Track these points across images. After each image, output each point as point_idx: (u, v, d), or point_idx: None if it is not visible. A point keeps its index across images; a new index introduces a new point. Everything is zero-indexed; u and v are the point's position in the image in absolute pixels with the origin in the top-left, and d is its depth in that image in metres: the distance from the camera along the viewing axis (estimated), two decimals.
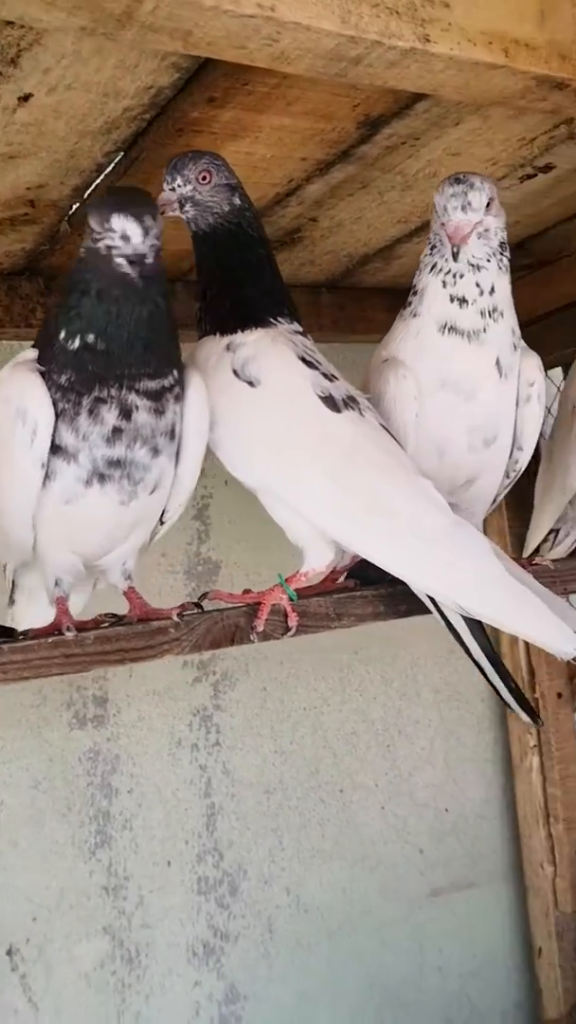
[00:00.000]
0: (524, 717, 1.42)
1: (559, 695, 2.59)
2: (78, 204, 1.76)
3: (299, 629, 1.36)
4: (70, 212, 1.78)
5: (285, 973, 2.40)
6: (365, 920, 2.52)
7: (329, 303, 2.40)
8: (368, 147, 1.66)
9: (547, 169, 1.83)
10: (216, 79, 1.37)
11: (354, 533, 1.38)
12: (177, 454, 1.40)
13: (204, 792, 2.35)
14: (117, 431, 1.31)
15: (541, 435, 2.57)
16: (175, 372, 1.37)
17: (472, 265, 1.50)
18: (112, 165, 1.63)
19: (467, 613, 1.36)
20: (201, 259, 1.52)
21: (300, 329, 1.51)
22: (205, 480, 2.26)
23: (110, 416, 1.30)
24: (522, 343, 1.62)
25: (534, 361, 1.61)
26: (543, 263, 2.41)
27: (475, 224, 1.47)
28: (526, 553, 2.20)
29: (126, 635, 1.26)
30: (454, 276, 1.50)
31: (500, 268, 1.52)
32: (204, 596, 1.43)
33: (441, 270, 1.52)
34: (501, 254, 1.52)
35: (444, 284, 1.51)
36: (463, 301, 1.50)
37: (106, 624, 1.34)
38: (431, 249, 1.54)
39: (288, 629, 1.36)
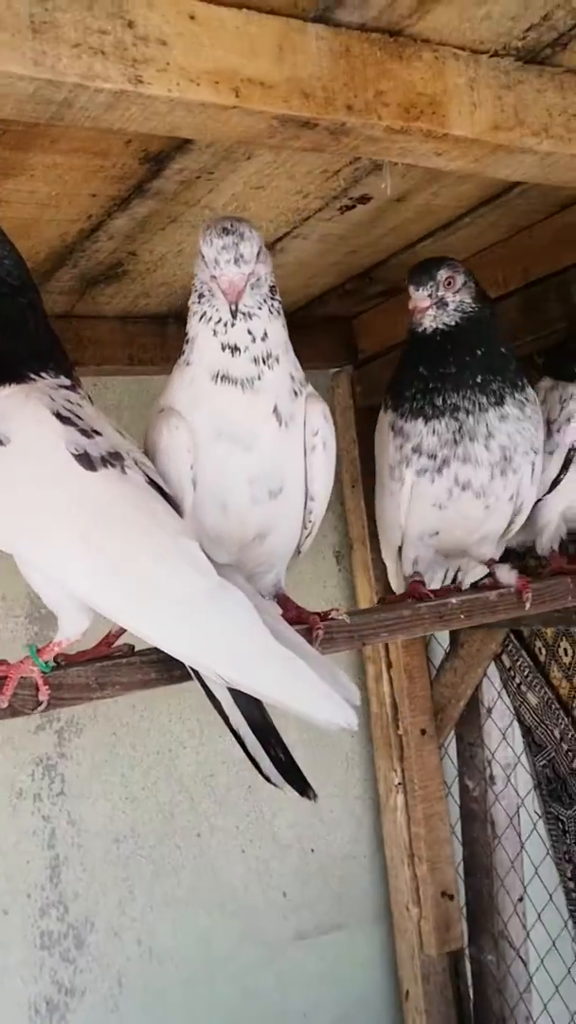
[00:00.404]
0: (290, 792, 1.34)
1: (423, 731, 2.54)
2: None
3: (54, 702, 1.28)
4: None
5: None
6: (225, 967, 2.44)
7: (176, 334, 2.31)
8: (161, 182, 1.60)
9: (364, 200, 1.78)
10: None
11: (104, 597, 1.28)
12: None
13: (47, 843, 2.26)
14: None
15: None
16: None
17: (244, 314, 1.41)
18: None
19: (225, 682, 1.28)
20: None
21: (68, 383, 1.42)
22: None
23: None
24: (308, 388, 1.53)
25: (319, 407, 1.52)
26: (396, 291, 2.35)
27: (248, 276, 1.39)
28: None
29: None
30: (224, 325, 1.42)
31: (271, 312, 1.44)
32: None
33: (211, 319, 1.43)
34: (272, 299, 1.44)
35: (215, 333, 1.43)
36: (235, 349, 1.42)
37: None
38: (199, 297, 1.45)
39: (39, 703, 1.28)
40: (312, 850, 2.60)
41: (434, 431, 1.69)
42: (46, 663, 1.29)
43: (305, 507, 1.55)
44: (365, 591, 2.62)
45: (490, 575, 1.80)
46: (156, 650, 1.37)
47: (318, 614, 1.54)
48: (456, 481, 1.70)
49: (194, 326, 1.46)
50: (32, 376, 1.36)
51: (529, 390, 1.75)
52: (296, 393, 1.48)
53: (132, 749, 2.37)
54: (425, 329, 1.73)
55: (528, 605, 1.71)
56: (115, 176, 1.54)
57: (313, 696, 1.25)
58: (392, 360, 2.42)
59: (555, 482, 1.84)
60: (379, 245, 2.04)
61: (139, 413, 2.35)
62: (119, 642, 1.46)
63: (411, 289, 1.71)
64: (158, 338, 2.29)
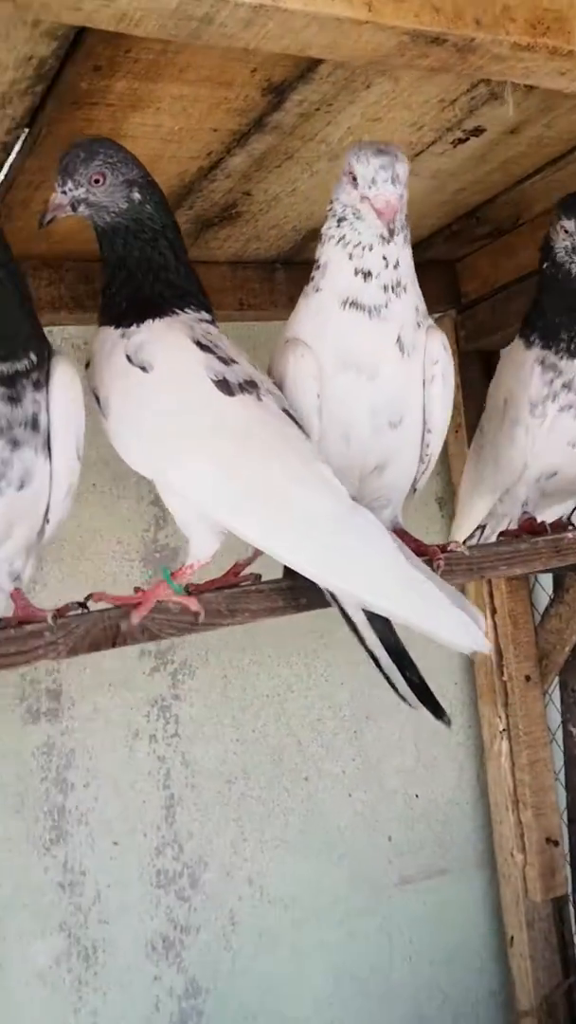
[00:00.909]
0: (426, 713, 1.35)
1: (527, 678, 2.53)
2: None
3: (188, 627, 1.31)
4: None
5: (248, 966, 2.36)
6: (332, 910, 2.48)
7: (284, 280, 2.34)
8: (281, 115, 1.60)
9: (477, 132, 1.77)
10: (95, 46, 1.32)
11: (241, 519, 1.31)
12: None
13: (163, 783, 2.31)
14: None
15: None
16: (32, 356, 1.31)
17: (381, 236, 1.42)
18: (19, 142, 1.59)
19: (360, 603, 1.30)
20: (103, 253, 1.48)
21: (208, 318, 1.46)
22: None
23: None
24: (428, 321, 1.54)
25: (439, 338, 1.53)
26: (501, 232, 2.34)
27: (400, 197, 1.40)
28: None
29: None
30: (362, 248, 1.43)
31: (405, 241, 1.45)
32: (88, 597, 1.38)
33: (349, 242, 1.44)
34: (405, 227, 1.46)
35: (351, 256, 1.44)
36: (367, 274, 1.43)
37: None
38: (338, 221, 1.46)
39: (196, 614, 1.32)
40: (416, 795, 2.62)
41: None
42: (180, 586, 1.32)
43: (423, 440, 1.56)
44: (446, 542, 2.61)
45: None
46: (283, 578, 1.40)
47: (437, 546, 1.55)
48: None
49: (328, 251, 1.47)
50: (175, 311, 1.40)
51: None
52: (419, 325, 1.49)
53: (242, 692, 2.41)
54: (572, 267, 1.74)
55: None
56: (237, 109, 1.55)
57: (444, 617, 1.27)
58: (499, 302, 2.43)
59: None
60: (487, 182, 2.02)
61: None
62: (246, 571, 1.49)
63: (564, 221, 1.72)
64: (266, 283, 2.31)
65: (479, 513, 2.00)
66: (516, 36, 1.22)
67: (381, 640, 1.33)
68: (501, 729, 2.56)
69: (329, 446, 1.48)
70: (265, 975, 2.38)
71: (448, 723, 1.37)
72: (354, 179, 1.40)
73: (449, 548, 1.55)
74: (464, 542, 1.94)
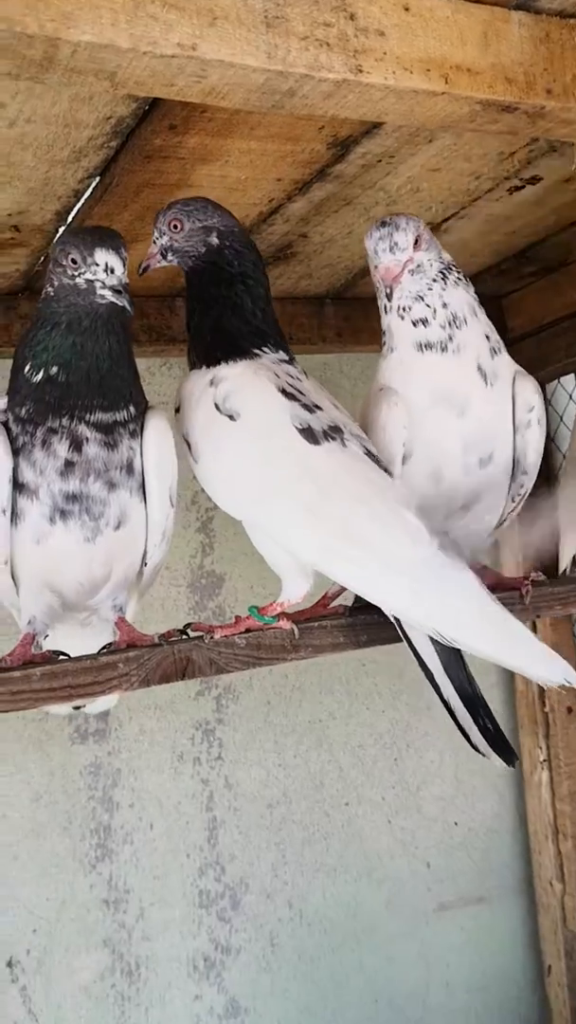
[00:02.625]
0: (497, 761, 1.39)
1: (569, 709, 2.56)
2: (63, 227, 1.77)
3: (253, 661, 1.36)
4: (56, 235, 1.80)
5: (287, 987, 2.40)
6: (370, 934, 2.51)
7: (333, 314, 2.39)
8: (343, 166, 1.65)
9: (534, 181, 1.81)
10: (173, 108, 1.37)
11: (330, 563, 1.37)
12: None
13: (206, 805, 2.35)
14: (69, 464, 1.33)
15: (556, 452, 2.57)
16: (131, 408, 1.39)
17: (416, 296, 1.54)
18: (90, 190, 1.65)
19: (443, 640, 1.34)
20: (189, 295, 1.55)
21: (287, 357, 1.52)
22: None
23: (61, 448, 1.32)
24: (515, 366, 1.61)
25: (531, 385, 1.61)
26: (548, 270, 2.38)
27: (404, 263, 1.52)
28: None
29: (73, 671, 1.25)
30: (406, 309, 1.55)
31: (446, 288, 1.55)
32: (188, 626, 1.44)
33: (394, 308, 1.56)
34: (445, 277, 1.55)
35: (402, 317, 1.55)
36: (424, 322, 1.54)
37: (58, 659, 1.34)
38: (378, 293, 1.59)
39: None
40: (455, 823, 2.65)
41: None
42: (271, 617, 1.39)
43: (514, 479, 1.63)
44: (511, 570, 2.64)
45: None
46: (347, 615, 1.44)
47: (520, 577, 1.62)
48: None
49: (386, 319, 1.58)
50: (256, 352, 1.46)
51: None
52: (495, 352, 1.57)
53: (284, 717, 2.45)
54: None
55: None
56: (302, 160, 1.60)
57: (532, 652, 1.32)
58: (546, 339, 2.47)
59: None
60: (539, 225, 2.06)
61: None
62: (335, 603, 1.54)
63: None
64: (315, 319, 2.36)
65: (572, 544, 2.05)
66: None
67: (456, 688, 1.37)
68: (542, 760, 2.58)
69: (418, 486, 1.55)
70: (303, 997, 2.41)
71: (517, 765, 1.41)
72: (368, 256, 1.56)
73: (531, 578, 1.59)
74: (564, 571, 2.02)
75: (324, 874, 2.47)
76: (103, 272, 1.32)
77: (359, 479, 1.37)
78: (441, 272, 1.55)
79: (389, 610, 1.34)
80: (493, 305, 2.58)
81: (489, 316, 2.55)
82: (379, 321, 1.62)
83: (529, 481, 1.64)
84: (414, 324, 1.53)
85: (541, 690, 2.58)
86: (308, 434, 1.36)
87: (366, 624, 1.43)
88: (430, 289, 1.54)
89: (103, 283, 1.32)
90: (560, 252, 2.25)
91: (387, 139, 1.56)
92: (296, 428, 1.36)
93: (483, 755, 1.36)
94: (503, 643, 1.31)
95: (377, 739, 2.56)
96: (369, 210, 1.85)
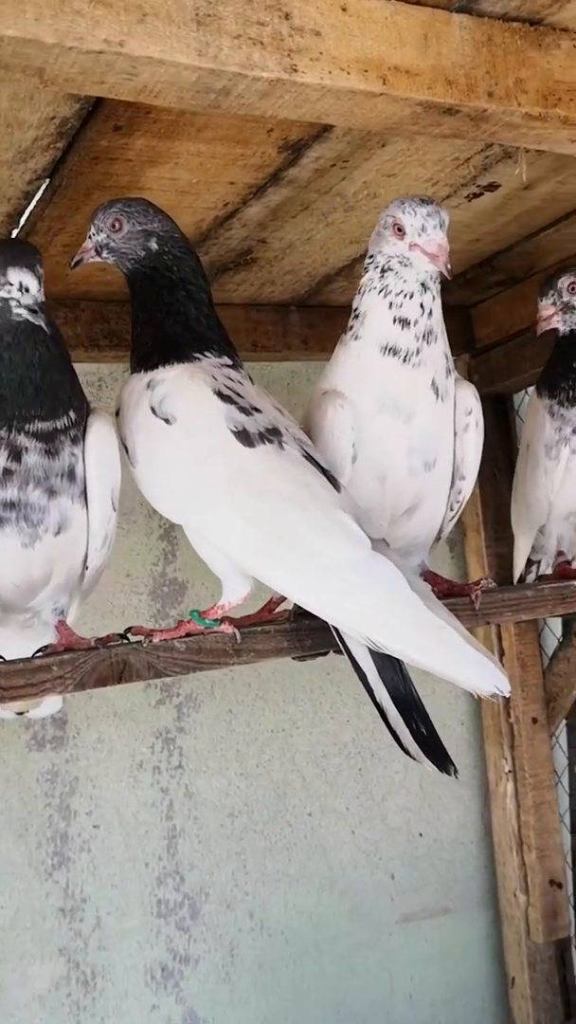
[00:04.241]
0: (430, 767, 1.37)
1: (534, 720, 2.55)
2: (16, 229, 1.76)
3: (193, 666, 1.34)
4: (9, 236, 1.79)
5: (247, 997, 2.38)
6: (332, 945, 2.49)
7: (299, 322, 2.38)
8: (297, 170, 1.64)
9: (492, 188, 1.80)
10: (117, 108, 1.36)
11: (263, 566, 1.36)
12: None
13: (166, 814, 2.33)
14: (8, 473, 1.33)
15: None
16: (71, 414, 1.38)
17: (422, 285, 1.50)
18: (40, 192, 1.64)
19: (376, 647, 1.32)
20: (132, 300, 1.54)
21: (230, 362, 1.50)
22: None
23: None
24: (455, 372, 1.61)
25: (470, 390, 1.62)
26: (515, 280, 2.37)
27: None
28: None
29: (6, 672, 1.24)
30: (404, 296, 1.50)
31: (437, 294, 1.53)
32: (129, 630, 1.43)
33: (391, 291, 1.51)
34: (437, 281, 1.53)
35: (391, 305, 1.51)
36: (405, 323, 1.50)
37: None
38: (382, 272, 1.52)
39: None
40: (420, 834, 2.63)
41: None
42: (213, 621, 1.39)
43: (452, 486, 1.62)
44: (477, 576, 2.63)
45: None
46: (289, 620, 1.43)
47: (471, 583, 1.62)
48: None
49: (368, 301, 1.54)
50: (196, 356, 1.45)
51: None
52: (449, 371, 1.57)
53: (247, 727, 2.43)
54: (564, 333, 1.88)
55: None
56: (254, 165, 1.59)
57: (465, 661, 1.30)
58: (513, 349, 2.46)
59: None
60: (502, 233, 2.06)
61: None
62: (280, 608, 1.53)
63: (539, 300, 1.89)
64: (280, 326, 2.35)
65: (524, 550, 2.07)
66: (528, 107, 1.26)
67: (390, 692, 1.35)
68: (507, 771, 2.57)
69: (361, 489, 1.54)
70: (264, 1008, 2.39)
71: (455, 774, 1.38)
72: (399, 230, 1.47)
73: (481, 583, 1.59)
74: (521, 578, 2.02)
75: (286, 884, 2.45)
76: (17, 291, 1.32)
77: (294, 482, 1.36)
78: (446, 270, 1.51)
79: (320, 615, 1.33)
80: (461, 315, 2.58)
81: (458, 326, 2.60)
82: (344, 330, 1.60)
83: (467, 487, 1.64)
84: (395, 320, 1.50)
85: (507, 700, 2.57)
86: (243, 436, 1.35)
87: (310, 629, 1.42)
88: (436, 283, 1.52)
89: (18, 302, 1.32)
90: (525, 261, 2.25)
91: (338, 143, 1.56)
92: (231, 431, 1.35)
93: (415, 759, 1.35)
94: (434, 651, 1.29)
95: (341, 749, 2.54)
96: (327, 216, 1.84)
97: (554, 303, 1.86)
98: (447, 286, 2.31)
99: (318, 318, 2.38)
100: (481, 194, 1.83)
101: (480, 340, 2.58)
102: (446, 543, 2.74)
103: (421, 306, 1.50)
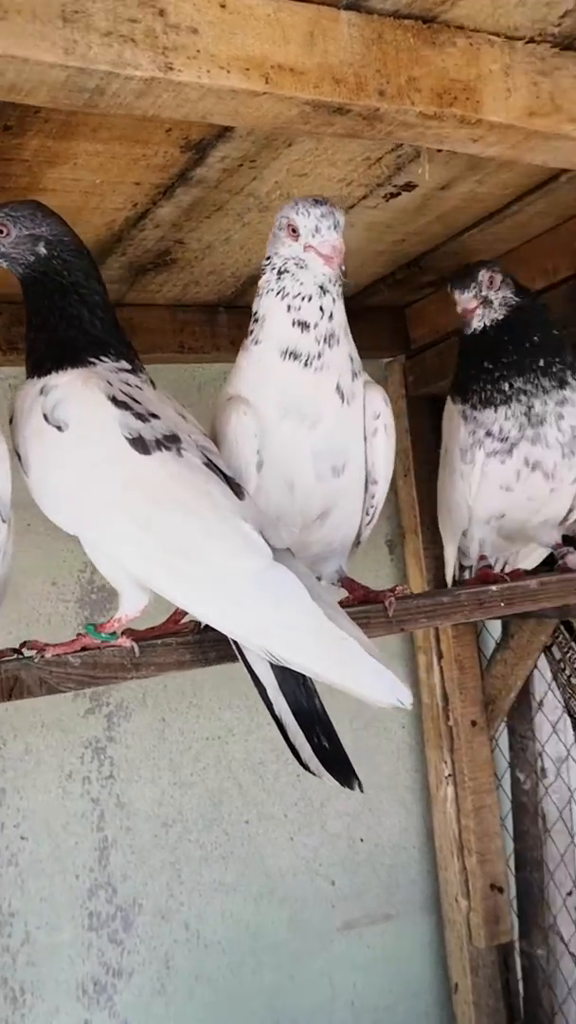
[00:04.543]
0: (331, 782, 1.33)
1: (473, 723, 2.52)
2: None
3: (89, 681, 1.31)
4: None
5: (183, 1010, 2.34)
6: (271, 954, 2.46)
7: (227, 323, 2.34)
8: (204, 170, 1.61)
9: (409, 187, 1.77)
10: (5, 108, 1.32)
11: (158, 577, 1.32)
12: None
13: (96, 825, 2.29)
14: None
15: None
16: None
17: (320, 287, 1.46)
18: None
19: (275, 660, 1.29)
20: (26, 305, 1.49)
21: (129, 367, 1.46)
22: None
23: None
24: (365, 375, 1.57)
25: (379, 394, 1.59)
26: (446, 280, 2.34)
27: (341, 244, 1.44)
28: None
29: None
30: (302, 299, 1.47)
31: (339, 295, 1.49)
32: (24, 644, 1.38)
33: (289, 294, 1.48)
34: (338, 283, 1.49)
35: (289, 308, 1.47)
36: (305, 325, 1.47)
37: None
38: (278, 274, 1.48)
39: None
40: (361, 839, 2.60)
41: (506, 415, 1.77)
42: (111, 634, 1.34)
43: (366, 491, 1.59)
44: (416, 580, 2.61)
45: (558, 560, 1.85)
46: (192, 633, 1.40)
47: (387, 590, 1.57)
48: (526, 462, 1.77)
49: (266, 303, 1.50)
50: (92, 360, 1.41)
51: None
52: (355, 374, 1.53)
53: (181, 735, 2.40)
54: (475, 329, 1.82)
55: None
56: (157, 165, 1.56)
57: (365, 673, 1.26)
58: (445, 349, 2.43)
59: None
60: (427, 233, 2.03)
61: (189, 401, 2.34)
62: (186, 620, 1.49)
63: (456, 294, 1.81)
64: (208, 327, 2.31)
65: (452, 555, 2.04)
66: (422, 106, 1.23)
67: (291, 705, 1.32)
68: (447, 775, 2.55)
69: (270, 496, 1.51)
70: (201, 1021, 2.36)
71: (358, 788, 1.35)
72: (293, 231, 1.44)
73: (396, 591, 1.56)
74: (454, 582, 2.01)
75: (223, 894, 2.42)
76: None
77: (192, 490, 1.32)
78: (340, 272, 1.48)
79: (217, 627, 1.29)
80: (395, 314, 2.56)
81: (393, 327, 2.57)
82: None
83: (380, 491, 1.61)
84: (294, 323, 1.47)
85: (446, 703, 2.55)
86: (138, 444, 1.31)
87: (215, 641, 1.37)
88: (335, 285, 1.47)
89: None
90: (454, 261, 2.21)
91: (243, 143, 1.52)
92: (125, 438, 1.31)
93: (314, 774, 1.31)
94: (333, 663, 1.25)
95: (279, 755, 2.50)
96: (242, 216, 1.81)
97: (476, 296, 1.80)
98: (377, 287, 2.33)
99: (247, 318, 2.29)
100: (398, 194, 1.79)
101: (415, 341, 2.56)
102: (385, 545, 2.72)
103: (320, 309, 1.46)
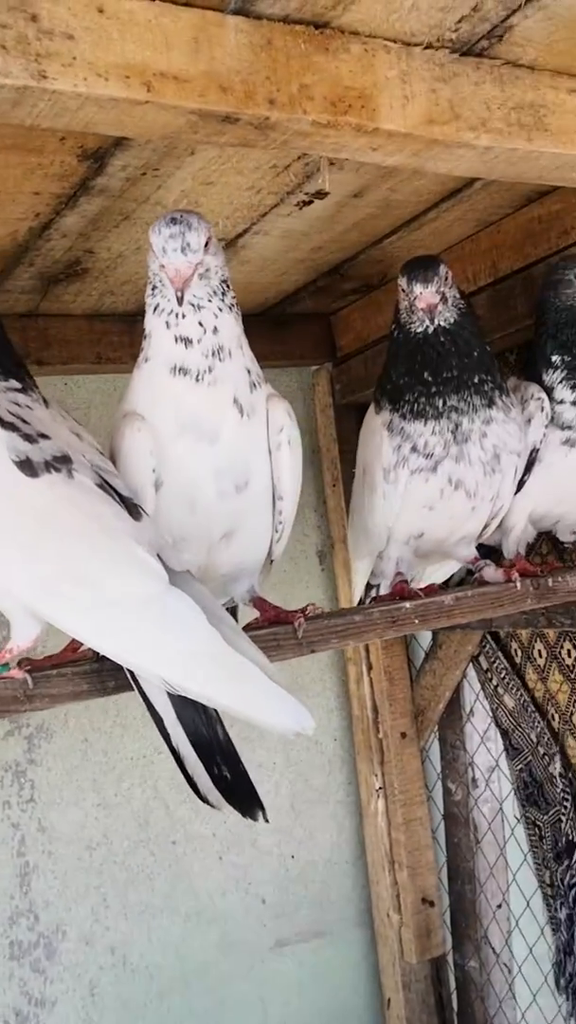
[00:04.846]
0: (233, 813, 1.29)
1: (403, 735, 2.49)
2: None
3: None
4: None
5: None
6: (201, 977, 2.41)
7: None
8: (106, 179, 1.56)
9: (320, 195, 1.73)
10: None
11: (49, 604, 1.26)
12: None
13: (17, 851, 2.23)
14: None
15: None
16: None
17: (193, 305, 1.41)
18: None
19: (173, 689, 1.25)
20: None
21: (18, 385, 1.40)
22: None
23: None
24: (268, 387, 1.52)
25: (282, 407, 1.52)
26: (370, 287, 2.32)
27: (195, 265, 1.38)
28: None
29: None
30: (176, 316, 1.42)
31: (222, 308, 1.43)
32: None
33: (164, 310, 1.43)
34: (223, 294, 1.44)
35: (168, 325, 1.43)
36: (187, 341, 1.42)
37: None
38: (152, 290, 1.45)
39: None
40: (292, 856, 2.56)
41: (433, 431, 1.69)
42: (4, 665, 1.29)
43: (274, 507, 1.54)
44: (346, 591, 2.58)
45: (475, 574, 1.82)
46: (90, 662, 1.34)
47: (298, 611, 1.53)
48: (449, 480, 1.71)
49: (150, 320, 1.46)
50: None
51: (510, 391, 1.77)
52: (254, 386, 1.48)
53: (104, 755, 2.34)
54: (427, 328, 1.68)
55: (518, 585, 1.73)
56: (55, 174, 1.50)
57: (264, 700, 1.23)
58: (371, 357, 2.40)
59: (520, 483, 1.79)
60: (345, 241, 1.99)
61: (108, 412, 2.31)
62: (84, 647, 1.44)
63: (418, 287, 1.65)
64: (126, 336, 2.26)
65: (363, 574, 1.99)
66: (315, 115, 1.19)
67: (190, 735, 1.27)
68: (377, 787, 2.52)
69: (172, 516, 1.46)
70: None
71: (264, 819, 1.31)
72: (152, 249, 1.40)
73: (307, 611, 1.51)
74: (361, 601, 1.96)
75: (150, 916, 2.37)
76: None
77: (83, 513, 1.27)
78: (222, 285, 1.44)
79: (110, 655, 1.25)
80: (321, 322, 2.52)
81: (320, 334, 2.54)
82: None
83: (288, 507, 1.55)
84: (176, 339, 1.42)
85: (376, 714, 2.52)
86: (26, 466, 1.26)
87: (114, 670, 1.32)
88: (210, 300, 1.42)
89: None
90: (376, 268, 2.19)
91: (143, 151, 1.48)
92: (12, 460, 1.26)
93: (213, 806, 1.27)
94: (232, 691, 1.22)
95: None
96: (151, 225, 1.75)
97: (438, 290, 1.65)
98: (300, 295, 2.29)
99: None
100: (311, 202, 1.75)
101: (341, 348, 2.53)
102: (315, 556, 2.69)
103: (200, 324, 1.41)
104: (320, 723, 2.61)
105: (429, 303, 1.65)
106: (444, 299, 1.67)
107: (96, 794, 2.32)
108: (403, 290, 1.69)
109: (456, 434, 1.68)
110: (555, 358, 1.79)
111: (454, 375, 1.68)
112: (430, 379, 1.68)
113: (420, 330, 1.69)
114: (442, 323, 1.68)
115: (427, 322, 1.67)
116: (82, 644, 1.44)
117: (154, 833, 2.39)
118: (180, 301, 1.39)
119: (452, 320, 1.68)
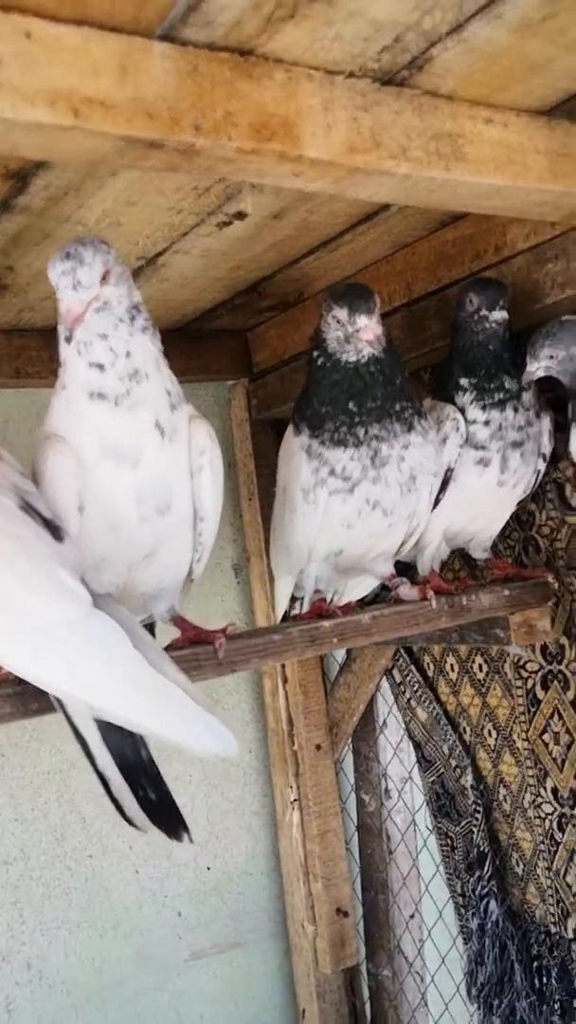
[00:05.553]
0: (159, 836, 1.30)
1: (318, 747, 2.52)
2: None
3: None
4: None
5: None
6: (117, 990, 2.41)
7: None
8: (28, 198, 1.57)
9: (240, 216, 1.76)
10: None
11: None
12: None
13: None
14: None
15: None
16: None
17: (99, 335, 1.42)
18: None
19: (95, 713, 1.25)
20: None
21: None
22: None
23: None
24: (189, 408, 1.54)
25: (203, 429, 1.54)
26: (287, 304, 2.35)
27: (89, 302, 1.39)
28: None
29: None
30: (86, 345, 1.43)
31: (133, 333, 1.44)
32: None
33: (75, 339, 1.43)
34: (132, 319, 1.44)
35: (79, 352, 1.43)
36: (100, 367, 1.42)
37: None
38: (60, 319, 1.44)
39: None
40: (208, 868, 2.58)
41: (352, 457, 1.70)
42: None
43: (195, 528, 1.56)
44: (262, 604, 2.60)
45: (391, 591, 1.86)
46: (12, 684, 1.34)
47: (219, 630, 1.55)
48: (367, 501, 1.73)
49: (63, 349, 1.46)
50: None
51: (427, 413, 1.80)
52: (175, 407, 1.49)
53: (21, 770, 2.33)
54: (361, 358, 1.69)
55: (433, 603, 1.77)
56: None
57: (189, 723, 1.23)
58: (287, 373, 2.43)
59: (436, 501, 1.84)
60: (263, 261, 2.02)
61: (26, 427, 2.31)
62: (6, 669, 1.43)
63: (362, 319, 1.65)
64: (45, 351, 2.25)
65: (286, 591, 2.01)
66: (239, 141, 1.21)
67: (116, 758, 1.28)
68: (292, 799, 2.54)
69: (94, 538, 1.46)
70: None
71: (189, 840, 1.32)
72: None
73: (227, 631, 1.53)
74: (285, 616, 1.99)
75: (66, 931, 2.36)
76: None
77: (3, 535, 1.27)
78: (130, 312, 1.44)
79: (31, 680, 1.25)
80: (238, 338, 2.55)
81: (236, 350, 2.56)
82: None
83: (208, 528, 1.58)
84: (90, 366, 1.42)
85: (291, 727, 2.54)
86: None
87: (38, 692, 1.32)
88: (116, 329, 1.43)
89: None
90: (293, 287, 2.22)
91: (66, 171, 1.49)
92: None
93: (139, 828, 1.28)
94: (156, 713, 1.23)
95: None
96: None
97: (379, 320, 1.66)
98: (218, 311, 2.32)
99: None
100: (231, 222, 1.78)
101: (257, 364, 2.55)
102: (231, 569, 2.71)
103: (111, 349, 1.42)
104: (236, 735, 2.62)
105: (376, 334, 1.66)
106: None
107: (12, 809, 2.31)
108: (339, 320, 1.68)
109: (375, 460, 1.70)
110: (463, 380, 1.83)
111: (378, 404, 1.70)
112: (354, 409, 1.70)
113: (352, 360, 1.70)
114: (375, 353, 1.69)
115: (369, 351, 1.68)
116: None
117: (71, 847, 2.38)
118: (68, 340, 1.41)
119: (381, 348, 1.70)
